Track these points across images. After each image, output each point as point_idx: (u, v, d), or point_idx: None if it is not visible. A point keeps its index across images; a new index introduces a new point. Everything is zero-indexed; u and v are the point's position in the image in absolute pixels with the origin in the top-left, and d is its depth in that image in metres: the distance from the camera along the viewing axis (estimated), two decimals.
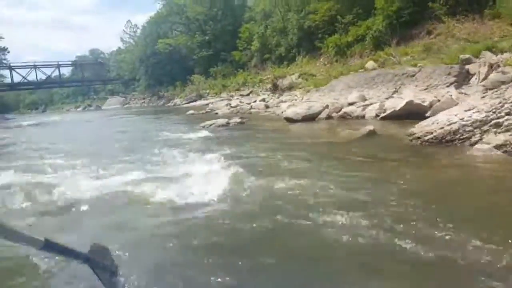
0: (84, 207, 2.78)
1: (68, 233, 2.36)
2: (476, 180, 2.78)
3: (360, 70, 11.28)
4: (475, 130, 3.17)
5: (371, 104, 6.66)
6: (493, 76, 5.45)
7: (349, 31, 15.02)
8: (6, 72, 39.69)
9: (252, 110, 11.80)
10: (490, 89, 5.22)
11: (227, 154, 4.33)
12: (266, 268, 1.71)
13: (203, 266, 1.78)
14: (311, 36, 17.33)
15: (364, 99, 7.21)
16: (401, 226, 1.95)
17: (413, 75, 6.89)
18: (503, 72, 5.35)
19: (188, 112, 13.86)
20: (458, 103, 4.81)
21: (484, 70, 5.76)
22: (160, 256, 1.94)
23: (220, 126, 7.95)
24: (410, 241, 1.77)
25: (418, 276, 1.57)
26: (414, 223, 1.97)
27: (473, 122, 3.20)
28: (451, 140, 3.31)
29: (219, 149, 4.76)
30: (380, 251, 1.76)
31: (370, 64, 11.75)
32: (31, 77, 39.62)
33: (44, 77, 40.68)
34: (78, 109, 41.41)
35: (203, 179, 3.07)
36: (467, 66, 6.47)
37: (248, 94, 17.70)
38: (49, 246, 1.32)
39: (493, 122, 3.09)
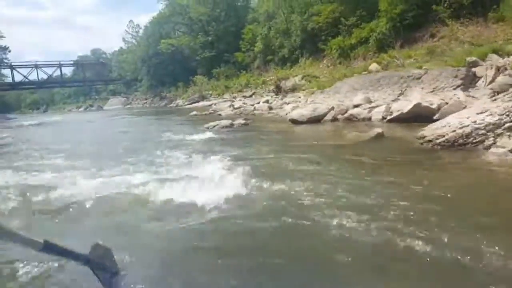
0: (87, 208, 2.75)
1: (70, 233, 2.34)
2: (492, 184, 2.73)
3: (364, 73, 11.26)
4: (489, 134, 3.14)
5: (377, 106, 6.61)
6: (501, 79, 5.42)
7: (353, 33, 15.02)
8: (7, 72, 39.80)
9: (255, 112, 11.77)
10: (498, 92, 5.19)
11: (233, 156, 4.30)
12: (275, 270, 1.69)
13: (209, 268, 1.76)
14: (315, 38, 17.32)
15: (369, 101, 7.17)
16: (415, 230, 1.92)
17: (419, 78, 6.86)
18: (511, 75, 5.33)
19: (191, 113, 13.84)
20: (466, 106, 4.79)
21: (491, 73, 5.73)
22: (164, 258, 1.91)
23: (224, 128, 7.91)
24: (422, 245, 1.75)
25: (430, 279, 1.56)
26: (428, 227, 1.94)
27: (486, 125, 3.17)
28: (463, 144, 3.27)
29: (225, 151, 4.72)
30: (392, 255, 1.74)
31: (373, 66, 11.73)
32: (33, 76, 39.68)
33: (45, 76, 40.78)
34: (80, 109, 41.43)
35: (210, 181, 3.03)
36: (473, 69, 6.44)
37: (251, 96, 17.68)
38: (49, 248, 1.30)
39: (506, 125, 3.05)
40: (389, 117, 5.91)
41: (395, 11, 12.90)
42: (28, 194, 3.19)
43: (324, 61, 16.90)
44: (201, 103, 21.07)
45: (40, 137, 10.28)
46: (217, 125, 8.13)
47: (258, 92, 17.82)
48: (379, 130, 4.60)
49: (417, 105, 5.28)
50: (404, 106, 5.70)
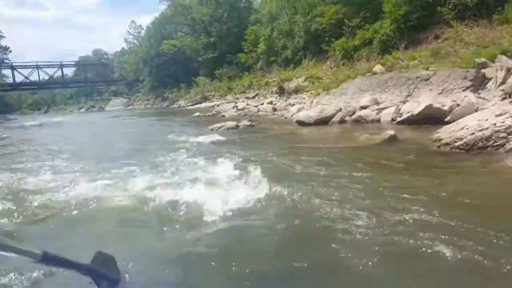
0: (90, 212, 2.67)
1: (70, 238, 2.28)
2: None
3: (368, 74, 11.23)
4: (509, 137, 3.08)
5: (386, 108, 6.55)
6: None
7: (356, 35, 14.99)
8: (8, 72, 39.77)
9: (259, 113, 11.75)
10: (510, 94, 5.14)
11: (242, 159, 4.21)
12: (290, 276, 1.66)
13: (218, 275, 1.71)
14: (318, 39, 17.29)
15: (376, 102, 7.11)
16: (438, 237, 1.87)
17: (427, 79, 6.80)
18: None
19: (194, 114, 13.80)
20: (478, 108, 4.74)
21: (501, 74, 5.68)
22: (170, 265, 1.85)
23: (230, 129, 7.84)
24: (444, 253, 1.71)
25: (451, 283, 1.52)
26: (453, 234, 1.89)
27: (506, 128, 3.11)
28: (483, 147, 3.21)
29: (232, 153, 4.63)
30: (413, 261, 1.70)
31: (377, 68, 11.70)
32: (34, 77, 39.65)
33: (46, 77, 40.76)
34: (81, 110, 41.44)
35: (219, 186, 2.96)
36: (483, 70, 6.38)
37: (253, 97, 17.66)
38: (48, 259, 1.27)
39: None
40: (398, 119, 5.84)
41: (399, 13, 12.87)
42: (29, 196, 3.12)
43: (328, 63, 16.87)
44: (203, 104, 21.04)
45: (41, 138, 10.22)
46: (222, 126, 8.07)
47: (261, 94, 17.80)
48: (391, 132, 4.52)
49: (429, 107, 5.21)
50: (414, 107, 5.63)
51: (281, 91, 15.19)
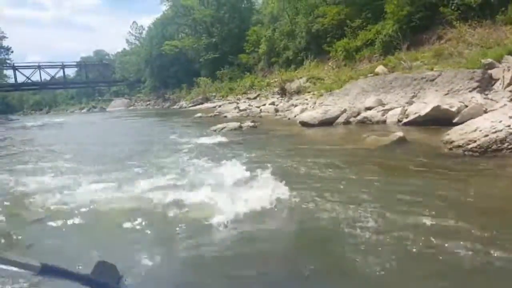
0: (93, 216, 2.61)
1: (71, 244, 2.22)
2: None
3: (370, 75, 11.18)
4: None
5: (391, 109, 6.47)
6: None
7: (358, 35, 14.95)
8: (10, 72, 39.81)
9: (262, 114, 11.70)
10: None
11: (247, 161, 4.13)
12: (306, 279, 1.61)
13: (227, 280, 1.67)
14: (319, 40, 17.24)
15: (381, 103, 7.04)
16: (456, 242, 1.82)
17: (433, 80, 6.72)
18: None
19: (196, 115, 13.76)
20: (486, 109, 4.67)
21: (509, 75, 5.61)
22: (179, 271, 1.80)
23: (233, 130, 7.78)
24: (458, 255, 1.67)
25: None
26: (468, 238, 1.85)
27: None
28: (498, 150, 3.13)
29: (237, 155, 4.55)
30: (428, 264, 1.66)
31: (380, 68, 11.65)
32: (35, 77, 39.74)
33: (48, 77, 40.80)
34: (83, 111, 41.48)
35: (228, 188, 2.89)
36: (489, 71, 6.30)
37: (255, 98, 17.62)
38: (47, 270, 1.22)
39: None
40: (405, 120, 5.76)
41: (401, 13, 12.81)
42: (31, 199, 3.08)
43: (329, 63, 16.81)
44: (205, 105, 21.01)
45: (43, 139, 10.18)
46: (225, 127, 8.01)
47: (262, 94, 17.76)
48: (400, 133, 4.43)
49: (436, 108, 5.13)
50: (421, 108, 5.54)
51: (283, 92, 15.14)
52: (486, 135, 3.26)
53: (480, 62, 6.72)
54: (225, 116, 12.29)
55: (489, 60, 6.52)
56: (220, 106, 17.06)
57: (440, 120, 5.00)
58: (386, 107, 6.70)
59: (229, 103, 17.61)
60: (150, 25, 39.02)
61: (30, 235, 2.40)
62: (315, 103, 9.99)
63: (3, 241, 2.36)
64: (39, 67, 39.95)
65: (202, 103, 22.36)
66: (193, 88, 26.79)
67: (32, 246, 2.22)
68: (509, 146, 3.11)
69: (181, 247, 2.05)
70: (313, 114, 7.17)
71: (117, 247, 2.15)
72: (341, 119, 6.90)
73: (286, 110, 10.79)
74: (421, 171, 3.24)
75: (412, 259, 1.74)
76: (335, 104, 8.11)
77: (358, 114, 6.86)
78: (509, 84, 5.48)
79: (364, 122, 6.65)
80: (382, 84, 7.74)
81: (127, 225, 2.44)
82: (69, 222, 2.56)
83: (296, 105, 10.82)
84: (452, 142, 3.57)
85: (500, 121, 3.26)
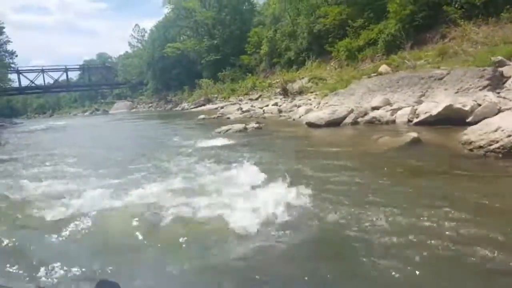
0: (98, 224, 2.54)
1: (73, 253, 2.16)
2: None
3: (373, 74, 11.12)
4: None
5: (400, 108, 6.32)
6: None
7: (360, 35, 14.90)
8: (14, 76, 40.05)
9: (265, 115, 11.66)
10: None
11: (257, 164, 3.95)
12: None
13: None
14: (321, 40, 17.22)
15: (388, 103, 6.90)
16: (484, 247, 1.78)
17: (441, 78, 6.55)
18: None
19: (199, 117, 13.74)
20: (500, 108, 4.59)
21: None
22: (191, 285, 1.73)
23: (238, 132, 7.72)
24: (485, 261, 1.64)
25: None
26: (495, 244, 1.80)
27: None
28: None
29: (245, 157, 4.39)
30: (452, 270, 1.63)
31: (383, 68, 11.59)
32: (39, 81, 40.07)
33: (51, 81, 41.17)
34: (86, 114, 41.64)
35: (243, 194, 2.80)
36: (500, 69, 6.11)
37: (257, 99, 17.61)
38: None
39: None
40: (415, 120, 5.58)
41: (404, 12, 12.76)
42: (34, 204, 3.05)
43: (331, 63, 16.78)
44: (207, 106, 21.02)
45: (47, 142, 10.17)
46: (230, 129, 7.96)
47: (264, 95, 17.75)
48: (414, 134, 4.26)
49: (448, 107, 4.96)
50: (432, 108, 5.36)
51: (285, 93, 15.12)
52: (509, 135, 3.11)
53: (489, 60, 6.58)
54: (228, 118, 12.27)
55: (499, 57, 6.39)
56: (222, 107, 17.05)
57: (452, 119, 4.84)
58: (394, 106, 6.55)
59: (232, 104, 17.61)
60: (152, 28, 39.27)
61: (32, 243, 2.35)
62: (319, 103, 9.92)
63: (3, 246, 2.34)
64: (42, 71, 40.31)
65: (204, 105, 22.39)
66: (195, 90, 26.85)
67: (34, 255, 2.16)
68: None
69: (192, 258, 1.98)
70: (319, 114, 7.07)
71: (122, 258, 2.07)
72: (348, 120, 6.74)
73: (290, 111, 10.75)
74: (442, 173, 3.11)
75: (434, 265, 1.70)
76: (341, 104, 8.01)
77: (366, 114, 6.70)
78: None
79: (372, 122, 6.49)
80: (388, 84, 7.62)
81: (133, 234, 2.36)
82: (73, 229, 2.50)
83: (299, 106, 10.77)
84: (471, 142, 3.43)
85: None
